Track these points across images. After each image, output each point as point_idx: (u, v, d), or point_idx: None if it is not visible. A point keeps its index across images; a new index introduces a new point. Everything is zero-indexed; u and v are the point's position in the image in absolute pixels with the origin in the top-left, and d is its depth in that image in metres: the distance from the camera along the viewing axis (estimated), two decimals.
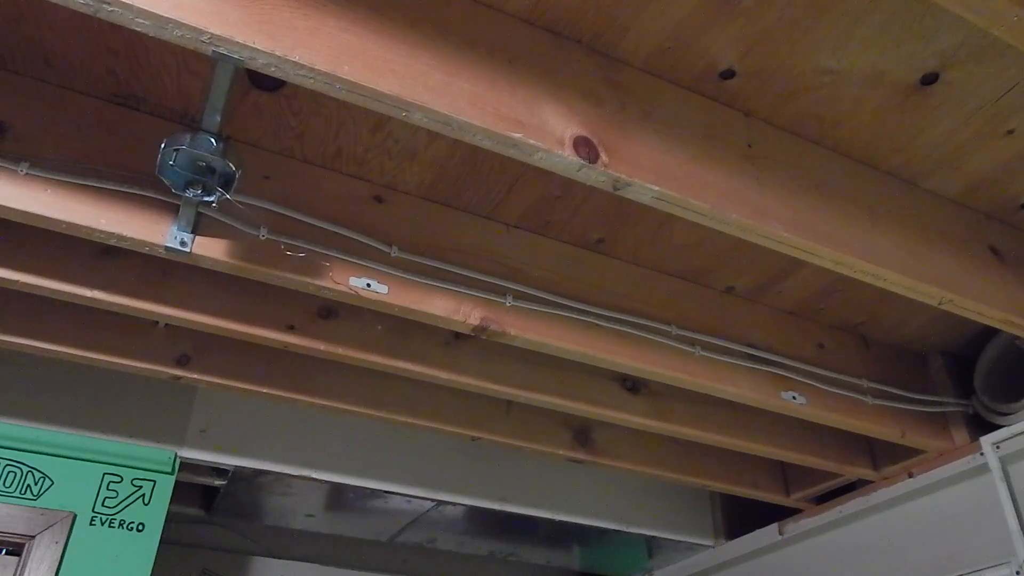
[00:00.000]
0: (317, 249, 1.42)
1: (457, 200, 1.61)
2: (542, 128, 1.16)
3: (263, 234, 1.37)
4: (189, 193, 1.13)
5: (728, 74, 1.31)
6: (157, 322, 1.77)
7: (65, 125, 1.30)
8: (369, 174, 1.54)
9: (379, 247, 1.48)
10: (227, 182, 1.14)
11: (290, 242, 1.39)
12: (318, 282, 1.42)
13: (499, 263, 1.62)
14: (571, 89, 1.22)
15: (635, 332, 1.69)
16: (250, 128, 1.42)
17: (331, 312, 1.67)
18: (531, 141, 1.14)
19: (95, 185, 1.24)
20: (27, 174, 1.19)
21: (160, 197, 1.29)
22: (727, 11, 1.20)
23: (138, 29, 0.94)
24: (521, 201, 1.61)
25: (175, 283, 1.54)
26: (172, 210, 1.31)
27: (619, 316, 1.67)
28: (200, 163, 1.12)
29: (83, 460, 1.93)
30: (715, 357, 1.75)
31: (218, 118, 1.08)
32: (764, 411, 1.94)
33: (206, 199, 1.15)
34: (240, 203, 1.21)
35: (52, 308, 1.67)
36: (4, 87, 1.28)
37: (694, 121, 1.32)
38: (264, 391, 1.82)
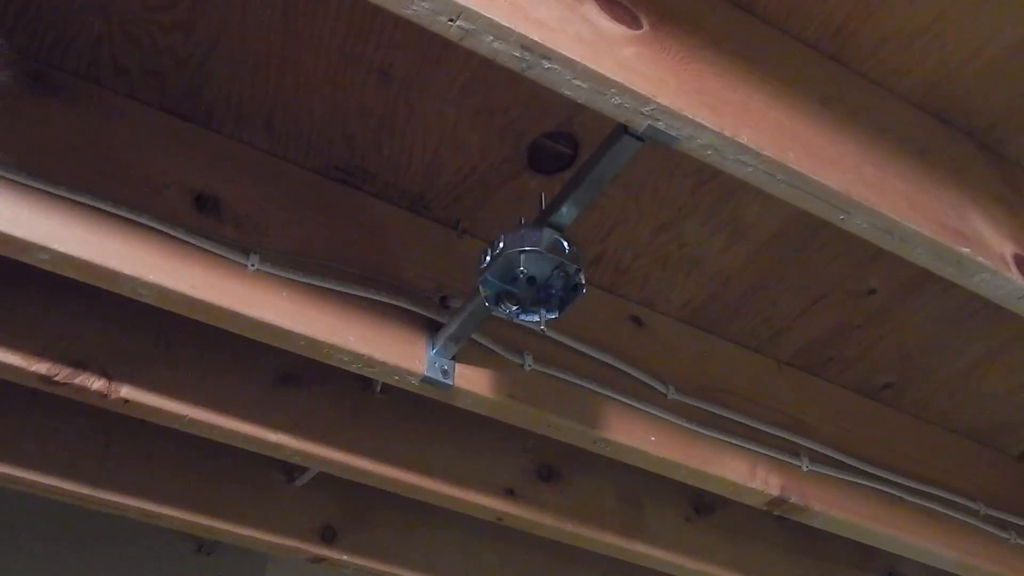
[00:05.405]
0: (586, 385, 1.04)
1: (725, 327, 1.25)
2: (979, 241, 0.86)
3: (528, 363, 1.00)
4: (503, 309, 0.78)
5: None
6: (294, 478, 1.35)
7: (282, 205, 0.96)
8: (625, 287, 1.19)
9: (654, 385, 1.11)
10: (563, 297, 0.79)
11: (558, 375, 1.02)
12: (589, 430, 1.03)
13: (778, 411, 1.24)
14: (983, 193, 0.92)
15: (940, 509, 1.29)
16: (502, 218, 1.08)
17: (552, 472, 1.25)
18: (979, 259, 0.83)
19: (336, 289, 0.87)
20: (257, 270, 0.83)
21: (412, 308, 0.92)
22: None
23: (568, 94, 0.66)
24: (808, 331, 1.26)
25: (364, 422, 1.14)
26: (420, 326, 0.94)
27: (926, 489, 1.27)
28: (522, 271, 0.76)
29: None
30: None
31: (577, 212, 0.75)
32: None
33: (523, 317, 0.79)
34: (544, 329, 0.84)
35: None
36: (210, 151, 0.95)
37: None
38: None
